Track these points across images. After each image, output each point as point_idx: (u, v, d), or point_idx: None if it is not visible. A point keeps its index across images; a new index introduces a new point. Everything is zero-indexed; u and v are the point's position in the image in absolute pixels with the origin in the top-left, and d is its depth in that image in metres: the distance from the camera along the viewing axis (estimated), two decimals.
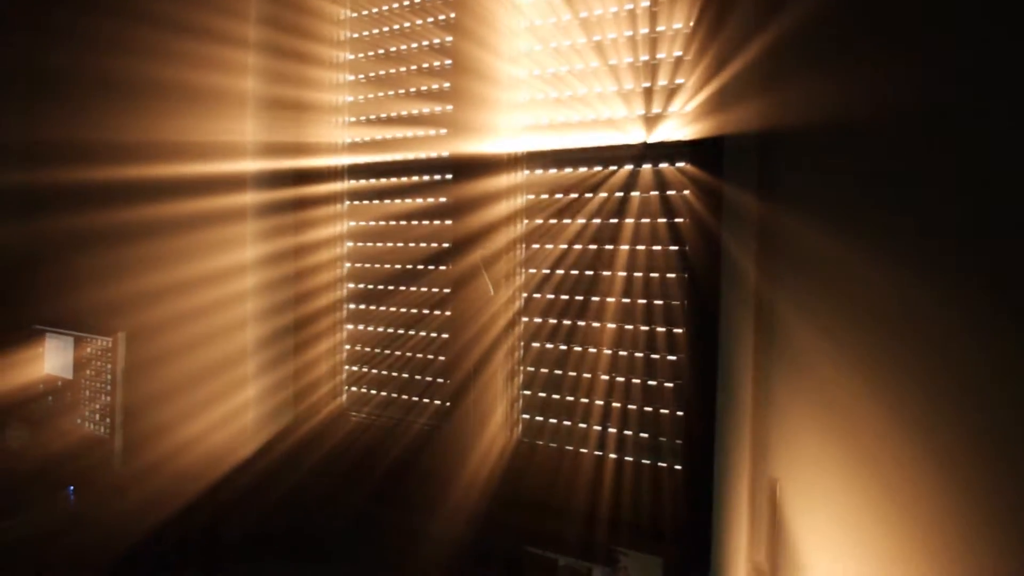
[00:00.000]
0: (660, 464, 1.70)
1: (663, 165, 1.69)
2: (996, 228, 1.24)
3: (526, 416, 1.92)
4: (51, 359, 2.58)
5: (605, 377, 1.77)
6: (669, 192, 1.68)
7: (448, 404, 2.02)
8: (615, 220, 1.75)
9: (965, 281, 1.27)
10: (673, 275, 1.67)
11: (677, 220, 1.66)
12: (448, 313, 2.02)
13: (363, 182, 2.22)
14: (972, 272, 1.26)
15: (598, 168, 1.78)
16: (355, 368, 2.25)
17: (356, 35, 2.21)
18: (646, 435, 1.71)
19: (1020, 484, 1.23)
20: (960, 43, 1.27)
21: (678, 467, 1.67)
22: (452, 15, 1.99)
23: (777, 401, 1.48)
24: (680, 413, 1.66)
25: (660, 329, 1.69)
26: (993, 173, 1.24)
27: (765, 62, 1.48)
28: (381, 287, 2.17)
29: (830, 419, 1.42)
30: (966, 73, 1.26)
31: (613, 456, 1.76)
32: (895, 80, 1.34)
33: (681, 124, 1.65)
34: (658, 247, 1.70)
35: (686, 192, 1.64)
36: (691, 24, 1.62)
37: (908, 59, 1.32)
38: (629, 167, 1.74)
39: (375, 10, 2.15)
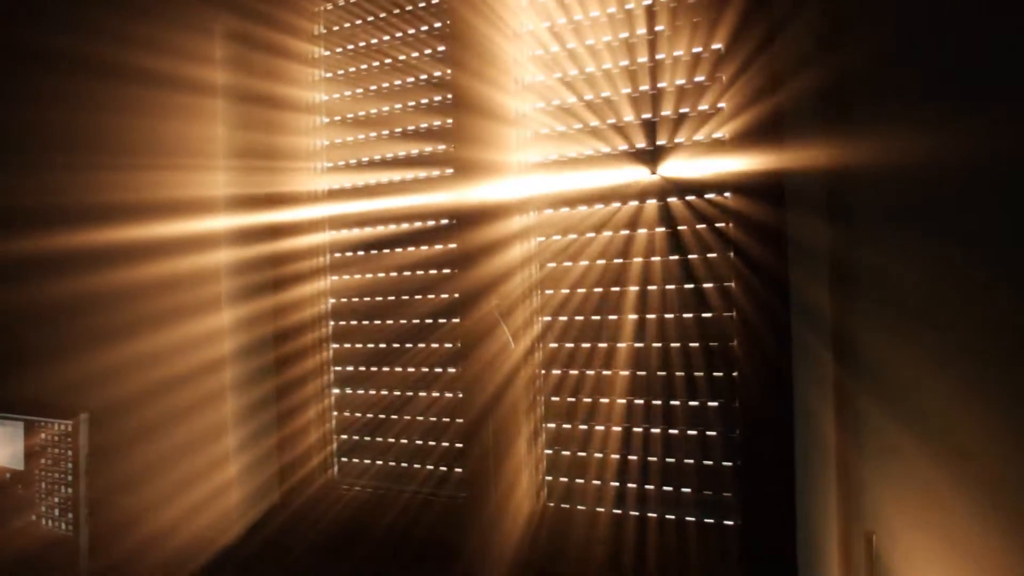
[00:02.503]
0: (708, 521, 1.56)
1: (692, 198, 1.57)
2: None
3: (551, 478, 1.76)
4: None
5: (639, 429, 1.63)
6: (703, 227, 1.55)
7: (462, 471, 1.85)
8: (642, 259, 1.63)
9: None
10: (710, 315, 1.56)
11: (717, 256, 1.54)
12: (459, 370, 1.85)
13: (348, 232, 2.04)
14: None
15: (617, 205, 1.66)
16: (347, 436, 2.06)
17: (331, 74, 2.06)
18: (689, 491, 1.57)
19: None
20: None
21: (729, 523, 1.54)
22: (441, 48, 1.85)
23: (869, 447, 1.36)
24: (729, 464, 1.53)
25: (698, 374, 1.57)
26: None
27: (824, 89, 1.39)
28: (374, 346, 2.00)
29: (933, 464, 1.29)
30: None
31: (655, 515, 1.61)
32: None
33: (719, 155, 1.54)
34: (693, 285, 1.57)
35: (725, 226, 1.53)
36: (723, 47, 1.52)
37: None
38: (653, 202, 1.62)
39: (351, 47, 2.01)
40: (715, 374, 1.56)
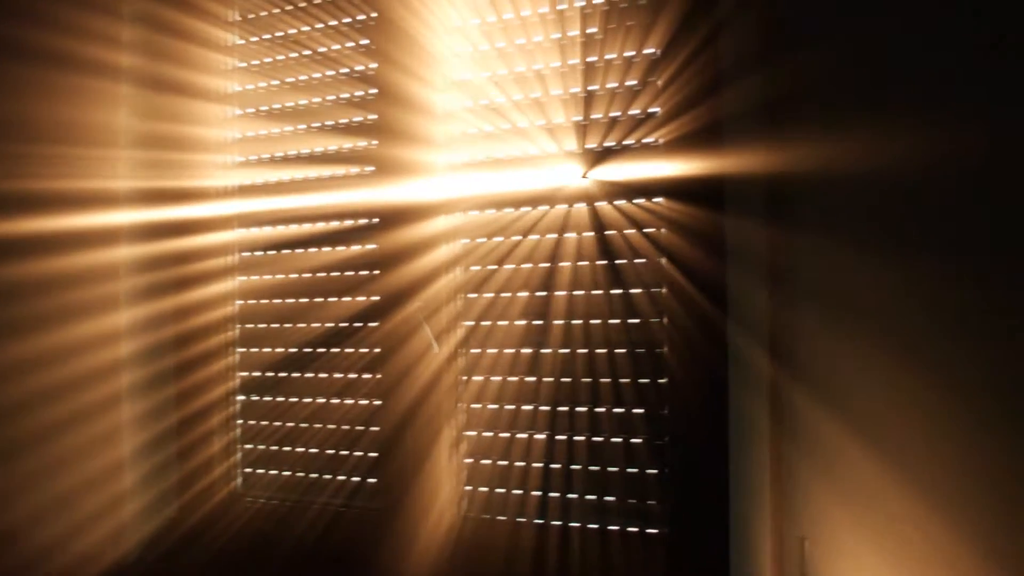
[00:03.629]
0: (633, 530, 1.54)
1: (621, 203, 1.55)
2: None
3: (471, 488, 1.70)
4: None
5: (563, 437, 1.60)
6: (633, 232, 1.54)
7: (378, 481, 1.77)
8: (571, 263, 1.60)
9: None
10: (637, 320, 1.54)
11: (648, 261, 1.53)
12: (378, 376, 1.78)
13: (261, 231, 1.94)
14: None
15: (546, 208, 1.63)
16: (253, 446, 1.95)
17: (246, 64, 1.95)
18: (613, 499, 1.55)
19: None
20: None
21: (653, 531, 1.52)
22: (368, 40, 1.78)
23: (803, 451, 1.36)
24: (655, 471, 1.51)
25: (624, 381, 1.55)
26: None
27: (764, 95, 1.40)
28: (285, 350, 1.90)
29: (867, 465, 1.30)
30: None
31: (576, 525, 1.58)
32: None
33: (652, 158, 1.53)
34: (622, 291, 1.55)
35: (657, 231, 1.52)
36: (659, 51, 1.51)
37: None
38: (583, 205, 1.59)
39: (268, 36, 1.91)
40: (642, 381, 1.54)
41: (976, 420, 1.20)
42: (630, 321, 1.55)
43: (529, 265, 1.63)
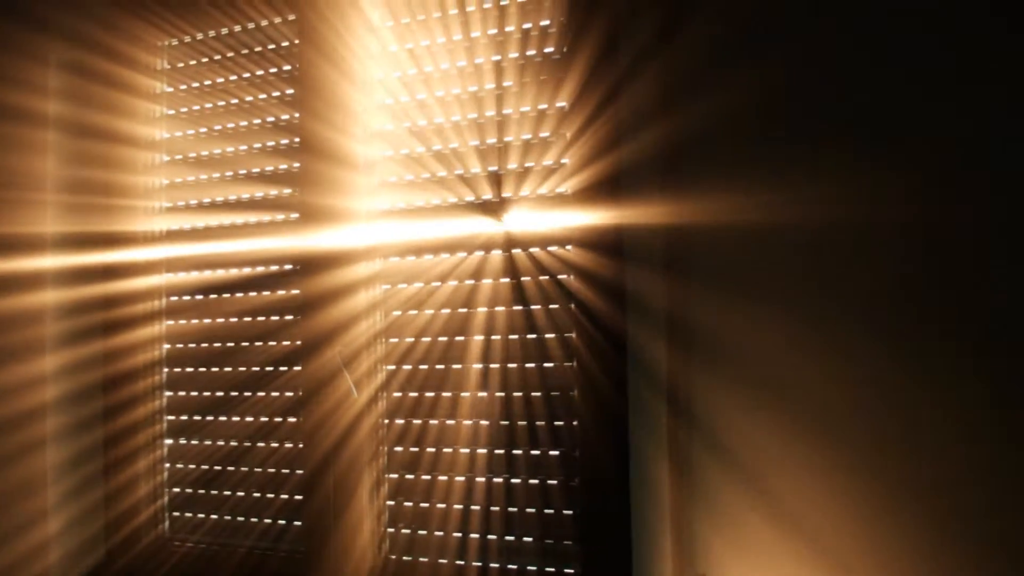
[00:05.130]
0: (548, 569, 1.56)
1: (535, 250, 1.60)
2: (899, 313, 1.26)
3: (393, 530, 1.72)
4: None
5: (482, 479, 1.63)
6: (546, 278, 1.59)
7: (302, 524, 1.78)
8: (487, 309, 1.64)
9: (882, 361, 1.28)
10: (554, 364, 1.58)
11: (559, 307, 1.58)
12: (299, 419, 1.79)
13: (186, 275, 1.96)
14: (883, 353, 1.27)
15: (463, 255, 1.67)
16: (179, 489, 1.95)
17: (173, 111, 1.98)
18: (530, 539, 1.58)
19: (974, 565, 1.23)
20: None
21: (569, 571, 1.55)
22: (290, 91, 1.82)
23: (701, 492, 1.41)
24: (573, 512, 1.55)
25: (540, 423, 1.59)
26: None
27: (662, 147, 1.46)
28: (211, 394, 1.91)
29: (761, 508, 1.36)
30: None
31: (496, 566, 1.60)
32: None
33: (560, 208, 1.58)
34: (535, 336, 1.60)
35: (567, 278, 1.57)
36: (568, 104, 1.57)
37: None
38: (498, 252, 1.64)
39: (196, 84, 1.95)
40: (557, 423, 1.58)
41: (870, 479, 1.28)
42: (545, 365, 1.59)
43: (447, 310, 1.67)
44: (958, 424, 1.23)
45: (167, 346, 1.99)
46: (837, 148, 1.32)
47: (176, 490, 1.96)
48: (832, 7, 1.34)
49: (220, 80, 1.93)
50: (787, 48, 1.37)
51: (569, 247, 1.58)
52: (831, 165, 1.32)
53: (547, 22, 1.60)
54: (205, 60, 1.94)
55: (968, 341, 1.23)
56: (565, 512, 1.57)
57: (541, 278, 1.60)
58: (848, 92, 1.32)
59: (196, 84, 1.96)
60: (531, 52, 1.61)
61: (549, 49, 1.60)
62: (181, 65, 1.98)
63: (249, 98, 1.89)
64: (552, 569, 1.57)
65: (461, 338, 1.66)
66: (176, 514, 1.96)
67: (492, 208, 1.65)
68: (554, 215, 1.59)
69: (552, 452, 1.58)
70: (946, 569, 1.23)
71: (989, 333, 1.22)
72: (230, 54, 1.91)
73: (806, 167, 1.35)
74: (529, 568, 1.59)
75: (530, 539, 1.59)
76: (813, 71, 1.35)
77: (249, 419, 1.86)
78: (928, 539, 1.24)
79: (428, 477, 1.68)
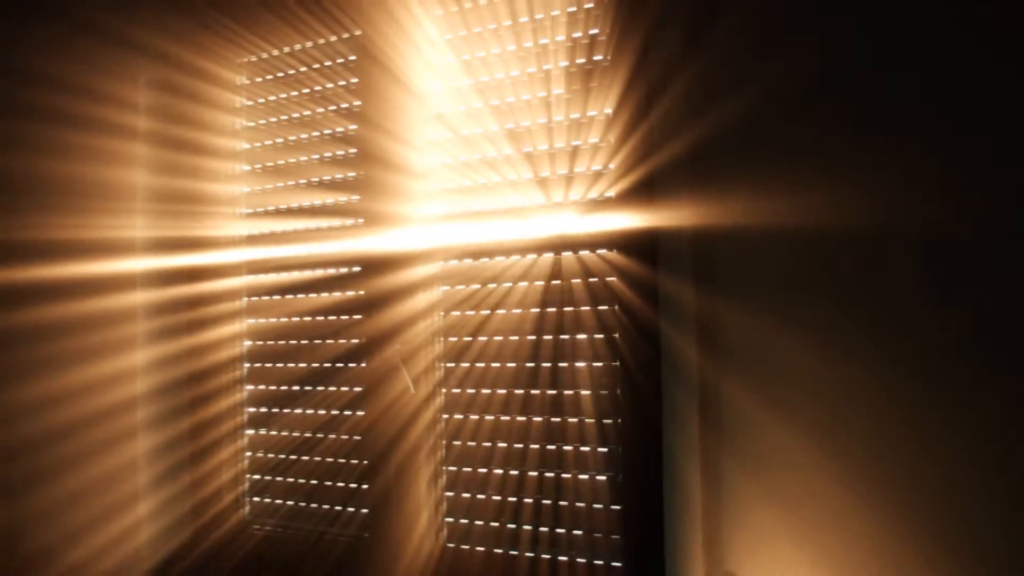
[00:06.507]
0: (597, 562, 1.62)
1: (586, 253, 1.65)
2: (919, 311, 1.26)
3: (451, 520, 1.81)
4: None
5: (534, 473, 1.70)
6: (594, 280, 1.64)
7: (367, 511, 1.89)
8: (538, 310, 1.70)
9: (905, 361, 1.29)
10: (601, 364, 1.63)
11: (604, 308, 1.63)
12: (363, 413, 1.90)
13: (263, 277, 2.09)
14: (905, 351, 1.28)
15: (517, 257, 1.74)
16: (259, 476, 2.08)
17: (252, 124, 2.11)
18: (579, 532, 1.63)
19: (983, 565, 1.22)
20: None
21: (616, 564, 1.60)
22: (357, 103, 1.92)
23: (730, 491, 1.44)
24: (617, 507, 1.60)
25: (590, 421, 1.64)
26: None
27: (696, 153, 1.49)
28: (286, 388, 2.03)
29: (788, 507, 1.38)
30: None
31: (547, 557, 1.67)
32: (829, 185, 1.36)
33: (605, 212, 1.62)
34: (584, 336, 1.65)
35: (613, 280, 1.61)
36: (611, 111, 1.62)
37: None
38: (550, 255, 1.70)
39: (272, 98, 2.08)
40: (605, 421, 1.63)
41: (898, 487, 1.29)
42: (595, 364, 1.65)
43: (502, 311, 1.74)
44: (992, 429, 1.22)
45: (248, 343, 2.13)
46: (869, 150, 1.33)
47: (256, 477, 2.10)
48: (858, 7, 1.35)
49: (294, 93, 2.04)
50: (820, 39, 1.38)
51: (608, 250, 1.63)
52: (864, 167, 1.33)
53: (595, 30, 1.65)
54: (280, 74, 2.07)
55: (1005, 344, 1.23)
56: (612, 507, 1.62)
57: (587, 280, 1.65)
58: (884, 91, 1.32)
59: (272, 97, 2.08)
60: (579, 60, 1.66)
61: (597, 57, 1.65)
62: (259, 80, 2.11)
63: (320, 110, 2.00)
64: (600, 562, 1.62)
65: (515, 337, 1.74)
66: (256, 499, 2.10)
67: (540, 212, 1.71)
68: (598, 218, 1.64)
69: (600, 449, 1.63)
70: None
71: None
72: (301, 68, 2.03)
73: (836, 169, 1.35)
74: (578, 560, 1.65)
75: (579, 532, 1.64)
76: (844, 68, 1.36)
77: (322, 412, 1.98)
78: (956, 548, 1.24)
79: (483, 470, 1.76)
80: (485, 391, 1.76)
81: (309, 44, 2.01)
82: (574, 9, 1.66)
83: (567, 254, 1.68)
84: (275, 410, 2.06)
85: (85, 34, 2.16)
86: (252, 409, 2.11)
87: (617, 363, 1.60)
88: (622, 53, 1.59)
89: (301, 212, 2.03)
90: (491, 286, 1.76)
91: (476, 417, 1.77)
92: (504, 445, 1.73)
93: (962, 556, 1.24)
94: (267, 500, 2.07)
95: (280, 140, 2.07)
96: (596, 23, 1.65)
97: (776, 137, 1.41)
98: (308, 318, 2.01)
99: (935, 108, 1.27)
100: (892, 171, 1.30)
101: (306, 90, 2.02)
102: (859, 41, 1.34)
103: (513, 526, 1.71)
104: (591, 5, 1.65)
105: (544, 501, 1.68)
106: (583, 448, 1.65)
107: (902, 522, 1.28)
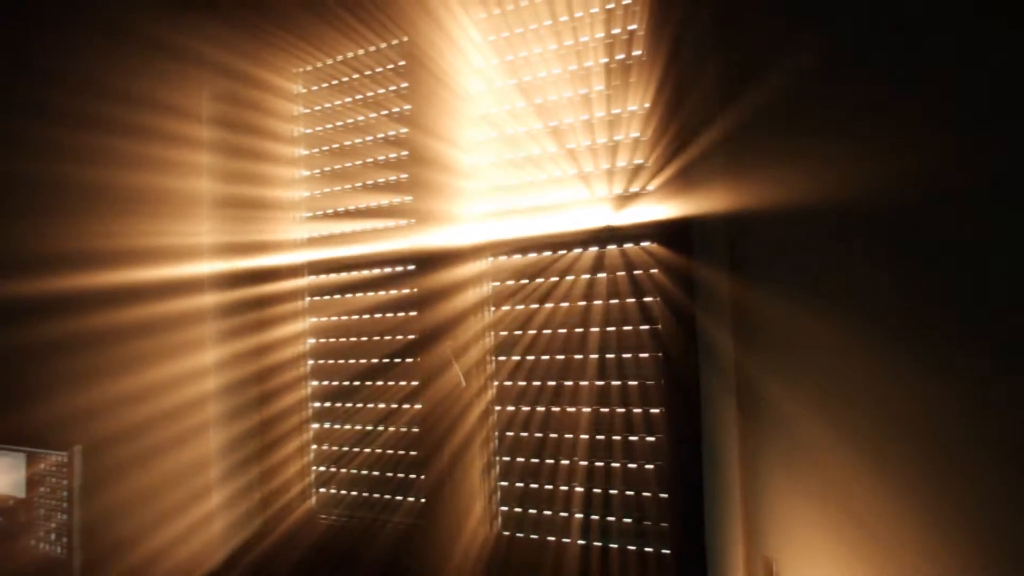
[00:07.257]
0: (647, 549, 1.64)
1: (629, 245, 1.68)
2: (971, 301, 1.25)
3: (504, 508, 1.86)
4: (1, 478, 2.45)
5: (584, 463, 1.73)
6: (637, 272, 1.67)
7: (424, 500, 1.95)
8: (584, 303, 1.74)
9: (946, 353, 1.27)
10: (646, 355, 1.66)
11: (647, 300, 1.65)
12: (419, 406, 1.96)
13: (324, 277, 2.18)
14: (952, 344, 1.27)
15: (563, 252, 1.78)
16: (324, 468, 2.17)
17: (310, 130, 2.20)
18: (629, 520, 1.66)
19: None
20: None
21: (665, 551, 1.62)
22: (407, 107, 1.99)
23: (767, 477, 1.45)
24: (664, 495, 1.62)
25: (637, 410, 1.67)
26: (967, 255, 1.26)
27: (729, 142, 1.50)
28: (347, 383, 2.11)
29: (823, 493, 1.39)
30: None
31: (598, 544, 1.70)
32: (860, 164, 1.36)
33: (645, 204, 1.65)
34: (629, 327, 1.68)
35: (655, 272, 1.64)
36: (648, 105, 1.64)
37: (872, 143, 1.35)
38: (594, 249, 1.73)
39: (327, 105, 2.16)
40: (652, 411, 1.66)
41: (933, 478, 1.29)
42: (640, 355, 1.68)
43: (550, 305, 1.78)
44: None
45: (311, 341, 2.21)
46: (903, 138, 1.32)
47: (321, 469, 2.18)
48: None
49: (347, 100, 2.12)
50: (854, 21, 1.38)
51: (649, 242, 1.66)
52: (899, 148, 1.32)
53: (634, 26, 1.67)
54: (336, 81, 2.15)
55: None
56: (660, 496, 1.64)
57: (629, 272, 1.68)
58: (918, 73, 1.31)
59: (327, 104, 2.17)
60: (618, 56, 1.69)
61: (636, 52, 1.67)
62: (314, 88, 2.19)
63: (372, 115, 2.07)
64: (650, 549, 1.65)
65: (563, 330, 1.77)
66: (321, 490, 2.19)
67: (583, 206, 1.74)
68: (638, 210, 1.67)
69: (648, 438, 1.66)
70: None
71: None
72: (354, 75, 2.10)
73: (869, 148, 1.35)
74: (630, 547, 1.67)
75: (628, 520, 1.68)
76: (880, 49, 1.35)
77: (381, 405, 2.05)
78: (989, 539, 1.23)
79: (535, 460, 1.80)
80: (535, 383, 1.81)
81: (360, 52, 2.09)
82: (612, 6, 1.70)
83: (610, 247, 1.72)
84: (338, 404, 2.14)
85: (154, 51, 2.28)
86: (316, 404, 2.20)
87: (660, 354, 1.63)
88: (657, 46, 1.62)
89: (357, 214, 2.11)
90: (538, 280, 1.81)
91: (527, 408, 1.82)
92: (555, 436, 1.78)
93: (994, 547, 1.23)
94: (331, 491, 2.16)
95: (336, 145, 2.15)
96: (633, 18, 1.68)
97: (813, 122, 1.41)
98: (366, 315, 2.09)
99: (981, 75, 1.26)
100: (927, 154, 1.29)
101: (359, 96, 2.10)
102: (891, 11, 1.33)
103: (564, 514, 1.76)
104: (628, 1, 1.69)
105: (594, 490, 1.72)
106: (631, 438, 1.68)
107: (940, 515, 1.27)
